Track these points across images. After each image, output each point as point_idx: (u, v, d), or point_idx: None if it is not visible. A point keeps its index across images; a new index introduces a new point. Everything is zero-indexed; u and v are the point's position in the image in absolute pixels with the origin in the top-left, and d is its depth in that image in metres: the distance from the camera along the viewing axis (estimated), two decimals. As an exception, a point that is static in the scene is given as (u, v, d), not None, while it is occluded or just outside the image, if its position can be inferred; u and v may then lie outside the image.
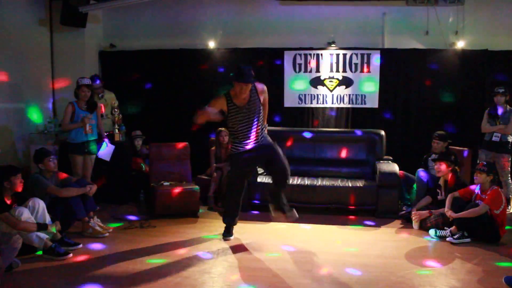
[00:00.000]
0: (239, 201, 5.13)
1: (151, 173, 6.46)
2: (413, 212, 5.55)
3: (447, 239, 5.02)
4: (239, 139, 4.90)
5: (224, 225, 5.14)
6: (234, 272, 4.08)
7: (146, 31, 8.40)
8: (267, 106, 5.17)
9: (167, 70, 8.25)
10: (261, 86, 4.95)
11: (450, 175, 5.57)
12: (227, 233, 5.09)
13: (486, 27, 7.78)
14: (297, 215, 5.07)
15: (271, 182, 5.15)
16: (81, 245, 4.66)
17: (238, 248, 4.75)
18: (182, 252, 4.62)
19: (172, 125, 8.12)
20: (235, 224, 5.18)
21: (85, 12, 7.46)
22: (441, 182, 5.66)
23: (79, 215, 4.97)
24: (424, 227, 5.42)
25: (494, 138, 6.29)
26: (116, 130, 6.76)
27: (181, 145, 6.64)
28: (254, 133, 4.88)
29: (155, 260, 4.36)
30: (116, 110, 6.83)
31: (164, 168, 6.44)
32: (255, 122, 4.86)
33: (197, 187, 6.08)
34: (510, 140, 6.30)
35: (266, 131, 5.12)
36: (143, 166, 6.96)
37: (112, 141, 6.47)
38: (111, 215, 5.91)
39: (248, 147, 4.89)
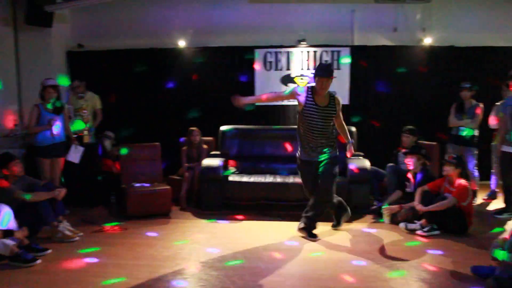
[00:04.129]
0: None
1: (122, 175, 6.37)
2: (383, 208, 5.63)
3: (417, 232, 5.11)
4: (302, 143, 5.01)
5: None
6: (207, 272, 4.06)
7: (115, 31, 8.27)
8: (343, 123, 5.13)
9: (137, 70, 8.13)
10: (338, 100, 4.98)
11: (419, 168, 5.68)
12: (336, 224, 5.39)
13: (452, 24, 7.98)
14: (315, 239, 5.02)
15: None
16: (50, 251, 4.54)
17: (211, 248, 4.72)
18: (154, 253, 4.56)
19: (143, 126, 8.02)
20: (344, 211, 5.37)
21: (51, 12, 7.29)
22: (410, 175, 5.75)
23: (48, 220, 4.84)
24: (395, 221, 5.50)
25: (460, 132, 6.42)
26: (85, 132, 6.65)
27: (152, 145, 6.57)
28: (319, 143, 4.90)
29: (127, 263, 4.30)
30: (85, 111, 6.72)
31: (135, 169, 6.35)
32: (324, 131, 4.88)
33: (168, 187, 6.03)
34: (476, 134, 6.44)
35: (350, 152, 5.07)
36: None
37: (81, 143, 6.35)
38: (82, 218, 5.79)
39: (310, 157, 4.95)
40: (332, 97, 4.91)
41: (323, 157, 4.91)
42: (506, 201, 5.94)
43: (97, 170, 6.65)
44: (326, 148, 4.92)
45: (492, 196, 6.77)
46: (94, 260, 4.38)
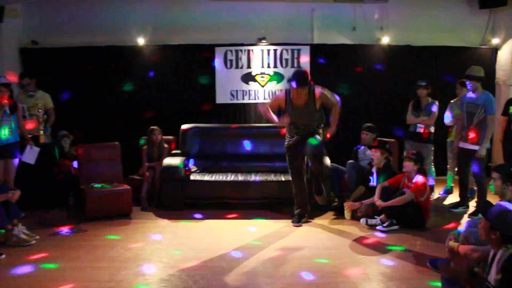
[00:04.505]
0: (303, 187, 5.54)
1: (81, 176, 6.21)
2: (345, 203, 5.72)
3: (377, 227, 5.22)
4: (289, 132, 5.43)
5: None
6: (169, 273, 4.01)
7: (71, 28, 8.01)
8: (336, 110, 5.38)
9: (95, 68, 7.91)
10: (318, 92, 5.23)
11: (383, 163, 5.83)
12: (297, 220, 5.50)
13: (408, 24, 8.19)
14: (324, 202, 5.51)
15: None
16: (4, 256, 4.36)
17: (172, 248, 4.67)
18: (115, 255, 4.47)
19: (101, 125, 7.84)
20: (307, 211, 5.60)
21: (1, 6, 7.00)
22: (374, 169, 5.87)
23: (1, 223, 4.66)
24: (355, 217, 5.60)
25: (418, 129, 6.59)
26: (41, 132, 6.43)
27: (111, 145, 6.43)
28: (304, 133, 5.29)
29: (86, 265, 4.19)
30: (40, 110, 6.49)
31: (94, 170, 6.20)
32: (306, 126, 5.29)
33: (128, 187, 5.92)
34: (433, 131, 6.63)
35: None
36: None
37: (37, 143, 6.13)
38: (38, 221, 5.60)
39: (296, 141, 5.38)
40: (312, 94, 5.18)
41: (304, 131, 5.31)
42: (461, 196, 6.14)
43: (54, 171, 6.44)
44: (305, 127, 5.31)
45: (448, 191, 6.98)
46: (51, 264, 4.24)
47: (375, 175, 5.87)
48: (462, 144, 5.90)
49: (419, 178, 5.29)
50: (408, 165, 5.38)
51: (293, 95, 5.18)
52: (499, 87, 8.09)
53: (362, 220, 5.43)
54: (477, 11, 8.15)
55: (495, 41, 8.19)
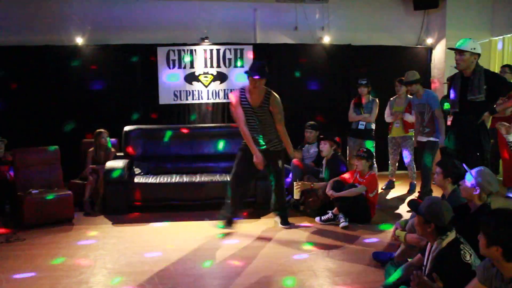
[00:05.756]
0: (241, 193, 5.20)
1: (17, 181, 5.91)
2: (295, 182, 5.76)
3: (341, 225, 5.28)
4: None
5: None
6: (114, 278, 3.90)
7: (3, 26, 7.60)
8: (282, 126, 5.09)
9: (30, 69, 7.55)
10: (274, 98, 4.94)
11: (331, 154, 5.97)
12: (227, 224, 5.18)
13: (348, 24, 8.43)
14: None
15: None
16: None
17: (117, 253, 4.55)
18: (57, 263, 4.29)
19: (39, 128, 7.51)
20: (234, 216, 5.23)
21: None
22: (324, 162, 6.02)
23: None
24: (307, 211, 5.74)
25: (359, 126, 6.80)
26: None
27: (49, 148, 6.17)
28: (263, 137, 5.00)
29: (25, 275, 4.00)
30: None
31: (31, 175, 5.92)
32: (263, 129, 4.99)
33: (69, 192, 5.71)
34: (374, 128, 6.85)
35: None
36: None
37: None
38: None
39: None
40: (267, 97, 4.93)
41: (268, 145, 5.04)
42: (422, 186, 6.24)
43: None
44: (268, 141, 5.04)
45: (390, 186, 7.21)
46: (-14, 276, 4.03)
47: (324, 166, 5.99)
48: (419, 138, 6.19)
49: (371, 174, 5.48)
50: (361, 164, 5.51)
51: (249, 93, 4.85)
52: (434, 84, 8.46)
53: (317, 219, 5.52)
54: (412, 13, 8.51)
55: (429, 41, 8.58)
